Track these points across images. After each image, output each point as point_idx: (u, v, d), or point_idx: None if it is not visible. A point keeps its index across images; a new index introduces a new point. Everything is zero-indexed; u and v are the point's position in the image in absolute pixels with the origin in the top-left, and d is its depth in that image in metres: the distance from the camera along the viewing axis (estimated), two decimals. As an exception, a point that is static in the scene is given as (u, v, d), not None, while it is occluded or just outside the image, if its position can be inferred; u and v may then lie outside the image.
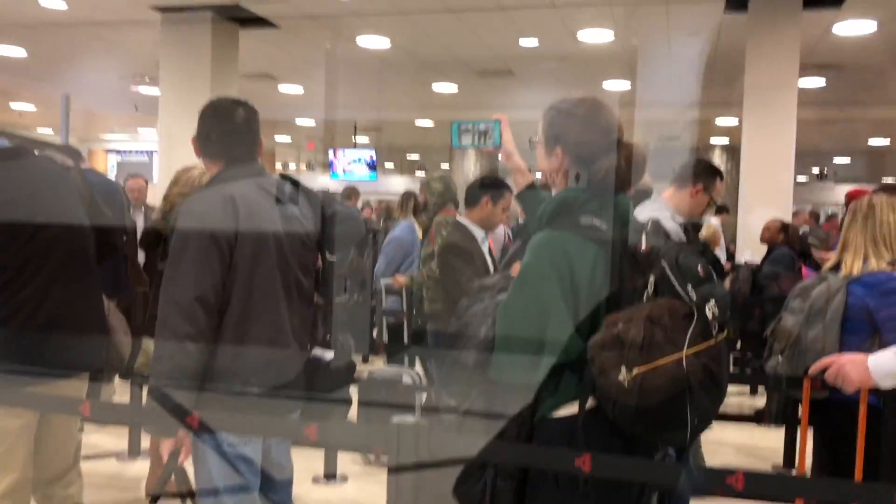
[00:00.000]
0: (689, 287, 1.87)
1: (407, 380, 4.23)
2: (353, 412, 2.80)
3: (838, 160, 19.88)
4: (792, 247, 6.64)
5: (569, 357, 1.85)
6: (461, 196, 4.59)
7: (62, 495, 2.81)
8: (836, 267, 2.79)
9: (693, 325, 1.82)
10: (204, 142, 2.43)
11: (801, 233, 7.70)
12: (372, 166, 15.16)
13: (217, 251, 2.21)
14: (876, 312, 2.55)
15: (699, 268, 1.92)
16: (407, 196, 6.93)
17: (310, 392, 2.32)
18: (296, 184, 2.44)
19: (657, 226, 2.67)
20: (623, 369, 1.77)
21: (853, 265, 2.70)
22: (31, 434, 2.64)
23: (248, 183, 2.34)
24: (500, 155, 2.27)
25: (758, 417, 4.77)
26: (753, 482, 1.53)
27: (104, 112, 16.09)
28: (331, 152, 15.62)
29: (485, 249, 3.69)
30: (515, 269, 3.37)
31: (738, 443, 5.15)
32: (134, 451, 4.63)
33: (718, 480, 1.57)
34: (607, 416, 1.84)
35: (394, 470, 1.75)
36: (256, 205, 2.31)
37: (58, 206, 2.64)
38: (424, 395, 4.60)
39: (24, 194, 2.57)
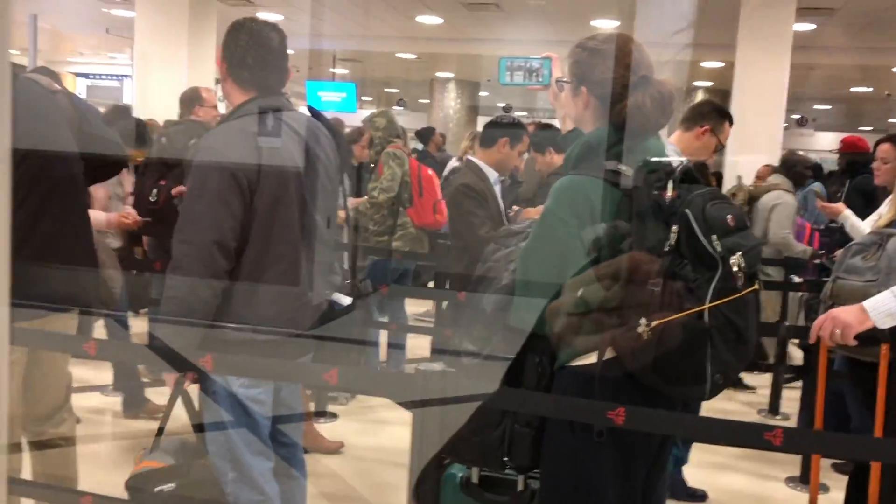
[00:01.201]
0: (714, 238, 1.80)
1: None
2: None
3: (818, 107, 19.88)
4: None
5: (588, 305, 1.79)
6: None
7: (53, 433, 2.73)
8: (893, 222, 2.77)
9: (717, 278, 1.77)
10: (238, 67, 2.23)
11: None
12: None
13: (238, 192, 2.08)
14: None
15: (729, 217, 1.85)
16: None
17: (323, 335, 2.25)
18: (323, 120, 2.30)
19: (689, 172, 2.60)
20: (643, 321, 1.72)
21: None
22: (19, 371, 2.54)
23: (273, 118, 2.20)
24: (548, 94, 2.15)
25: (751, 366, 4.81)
26: (791, 438, 1.50)
27: (73, 34, 15.48)
28: (307, 84, 15.23)
29: (498, 192, 3.58)
30: (529, 212, 3.31)
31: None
32: (118, 385, 4.55)
33: (756, 436, 1.53)
34: (625, 368, 1.80)
35: (419, 416, 1.70)
36: (280, 143, 2.18)
37: (46, 132, 2.49)
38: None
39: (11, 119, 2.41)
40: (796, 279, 4.98)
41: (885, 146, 3.81)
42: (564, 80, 2.01)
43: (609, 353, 1.81)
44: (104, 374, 4.61)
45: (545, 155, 4.38)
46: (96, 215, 3.88)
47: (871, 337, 2.35)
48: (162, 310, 2.06)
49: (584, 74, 1.95)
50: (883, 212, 3.64)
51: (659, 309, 1.74)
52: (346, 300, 2.34)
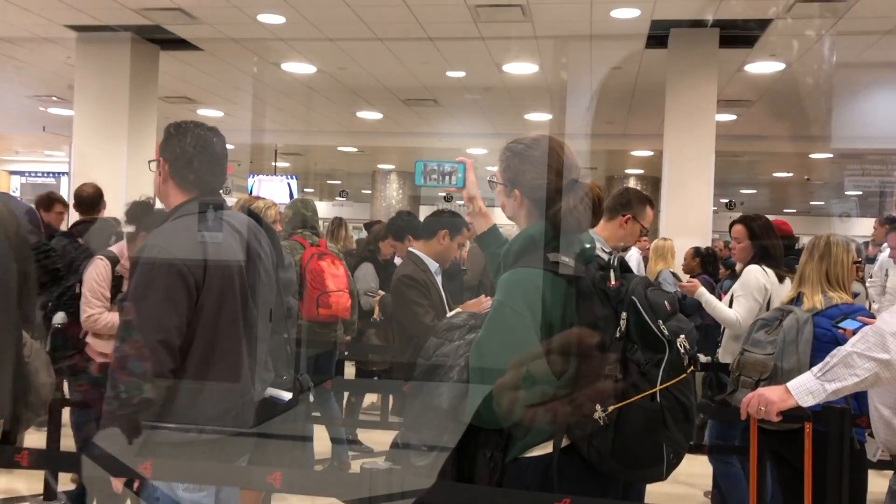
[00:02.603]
0: (660, 322, 1.88)
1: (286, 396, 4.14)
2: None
3: (744, 191, 20.80)
4: (711, 273, 6.86)
5: (544, 395, 1.82)
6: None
7: None
8: (796, 299, 2.93)
9: (665, 360, 1.83)
10: (184, 169, 2.27)
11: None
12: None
13: (185, 290, 2.09)
14: (844, 341, 2.67)
15: (666, 302, 1.94)
16: (337, 223, 6.85)
17: (260, 431, 2.22)
18: (258, 220, 2.34)
19: (622, 261, 2.72)
20: (598, 407, 1.76)
21: (814, 299, 2.84)
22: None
23: (215, 217, 2.23)
24: (463, 195, 2.24)
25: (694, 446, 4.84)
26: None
27: (8, 133, 15.34)
28: (250, 178, 15.32)
29: (439, 282, 3.63)
30: (469, 304, 3.35)
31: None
32: (50, 495, 4.33)
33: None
34: (581, 456, 1.82)
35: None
36: (224, 242, 2.21)
37: None
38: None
39: None
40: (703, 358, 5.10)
41: (737, 227, 4.04)
42: (496, 180, 2.09)
43: (564, 442, 1.84)
44: (35, 483, 4.39)
45: (404, 242, 4.64)
46: (112, 317, 3.65)
47: (795, 415, 2.45)
48: (106, 412, 2.02)
49: (515, 178, 2.02)
50: (736, 288, 3.88)
51: (612, 394, 1.79)
52: (286, 396, 2.32)
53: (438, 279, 3.63)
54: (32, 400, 2.79)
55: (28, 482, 4.45)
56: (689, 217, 7.59)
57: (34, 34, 8.15)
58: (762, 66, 8.53)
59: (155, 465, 1.86)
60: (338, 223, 6.61)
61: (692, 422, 1.87)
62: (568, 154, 2.02)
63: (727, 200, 18.36)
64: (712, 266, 7.10)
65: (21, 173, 18.60)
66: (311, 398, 4.85)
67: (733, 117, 10.90)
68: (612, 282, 1.90)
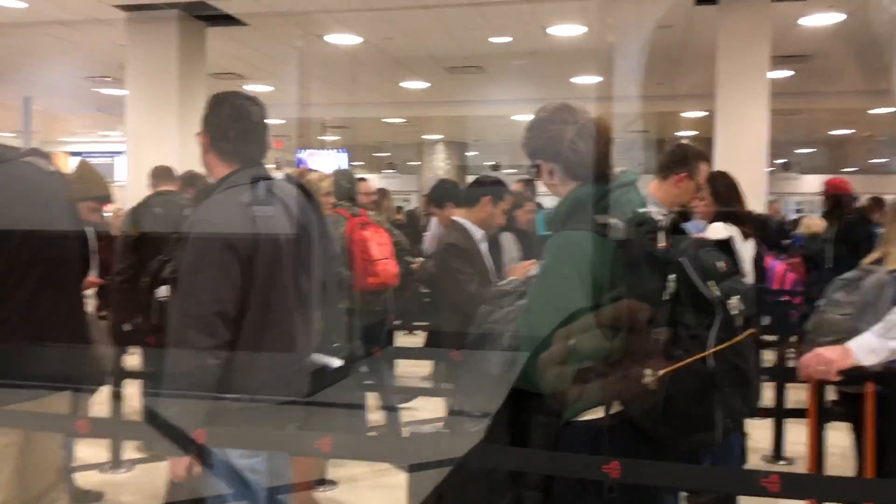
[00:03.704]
0: (711, 283, 1.84)
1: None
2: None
3: (800, 151, 20.19)
4: (753, 238, 6.68)
5: (594, 358, 1.81)
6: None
7: None
8: (879, 260, 2.84)
9: (717, 323, 1.80)
10: (220, 140, 2.27)
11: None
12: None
13: (238, 262, 2.11)
14: None
15: (722, 263, 1.89)
16: (380, 194, 6.90)
17: (312, 399, 2.26)
18: (302, 188, 2.35)
19: (675, 222, 2.66)
20: (648, 370, 1.74)
21: None
22: (16, 453, 2.53)
23: (261, 187, 2.25)
24: None
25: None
26: (790, 483, 1.50)
27: (65, 114, 15.73)
28: (299, 153, 15.46)
29: (483, 249, 3.62)
30: (516, 269, 3.33)
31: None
32: (117, 462, 4.50)
33: (752, 482, 1.53)
34: (633, 420, 1.80)
35: (415, 480, 1.69)
36: (272, 211, 2.23)
37: (44, 214, 2.54)
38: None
39: (10, 201, 2.46)
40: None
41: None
42: (531, 166, 2.09)
43: (616, 407, 1.83)
44: (103, 451, 4.56)
45: (445, 210, 4.67)
46: None
47: (857, 375, 2.38)
48: (166, 387, 2.06)
49: (534, 149, 2.06)
50: None
51: (663, 357, 1.77)
52: (337, 362, 2.35)
53: (483, 246, 3.62)
54: (94, 370, 2.90)
55: (96, 451, 4.62)
56: (743, 179, 7.30)
57: (85, 15, 8.30)
58: (820, 18, 8.20)
59: (209, 432, 1.90)
60: (381, 194, 6.66)
61: (750, 386, 1.83)
62: (580, 112, 2.03)
63: (783, 161, 17.85)
64: (761, 231, 6.92)
65: (79, 154, 19.08)
66: (364, 367, 4.90)
67: (789, 73, 10.54)
68: (661, 243, 1.87)
